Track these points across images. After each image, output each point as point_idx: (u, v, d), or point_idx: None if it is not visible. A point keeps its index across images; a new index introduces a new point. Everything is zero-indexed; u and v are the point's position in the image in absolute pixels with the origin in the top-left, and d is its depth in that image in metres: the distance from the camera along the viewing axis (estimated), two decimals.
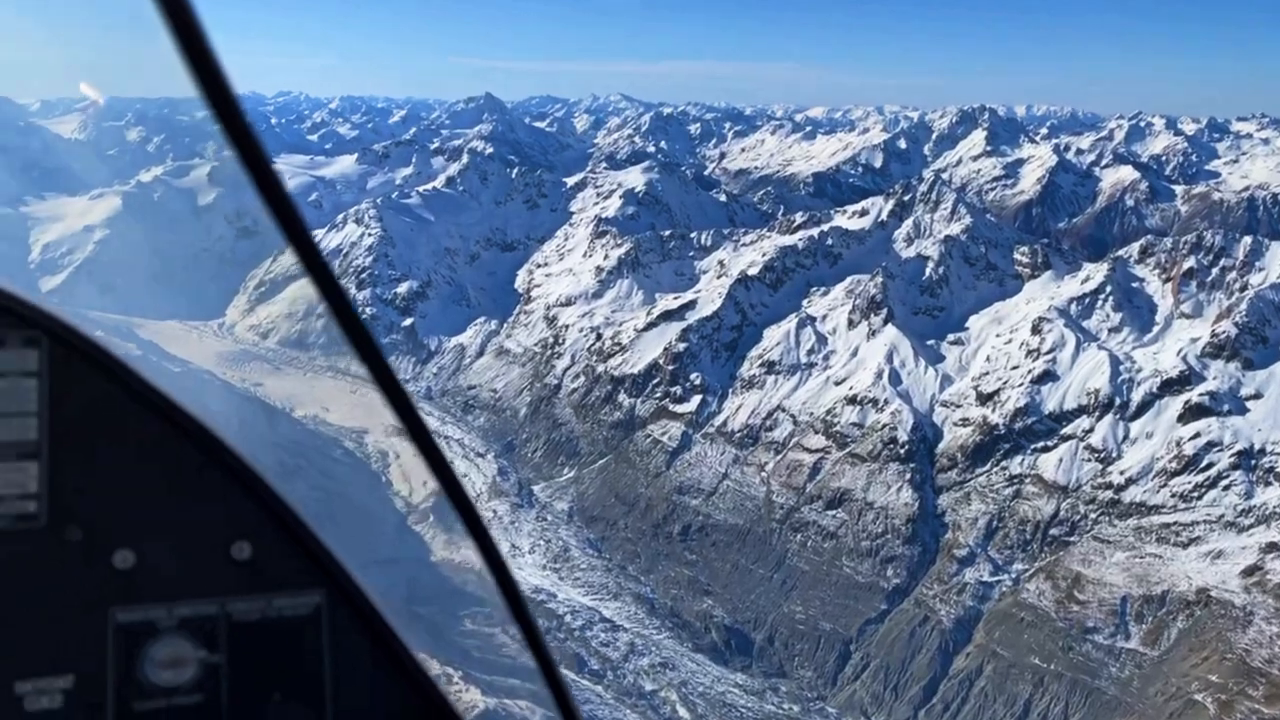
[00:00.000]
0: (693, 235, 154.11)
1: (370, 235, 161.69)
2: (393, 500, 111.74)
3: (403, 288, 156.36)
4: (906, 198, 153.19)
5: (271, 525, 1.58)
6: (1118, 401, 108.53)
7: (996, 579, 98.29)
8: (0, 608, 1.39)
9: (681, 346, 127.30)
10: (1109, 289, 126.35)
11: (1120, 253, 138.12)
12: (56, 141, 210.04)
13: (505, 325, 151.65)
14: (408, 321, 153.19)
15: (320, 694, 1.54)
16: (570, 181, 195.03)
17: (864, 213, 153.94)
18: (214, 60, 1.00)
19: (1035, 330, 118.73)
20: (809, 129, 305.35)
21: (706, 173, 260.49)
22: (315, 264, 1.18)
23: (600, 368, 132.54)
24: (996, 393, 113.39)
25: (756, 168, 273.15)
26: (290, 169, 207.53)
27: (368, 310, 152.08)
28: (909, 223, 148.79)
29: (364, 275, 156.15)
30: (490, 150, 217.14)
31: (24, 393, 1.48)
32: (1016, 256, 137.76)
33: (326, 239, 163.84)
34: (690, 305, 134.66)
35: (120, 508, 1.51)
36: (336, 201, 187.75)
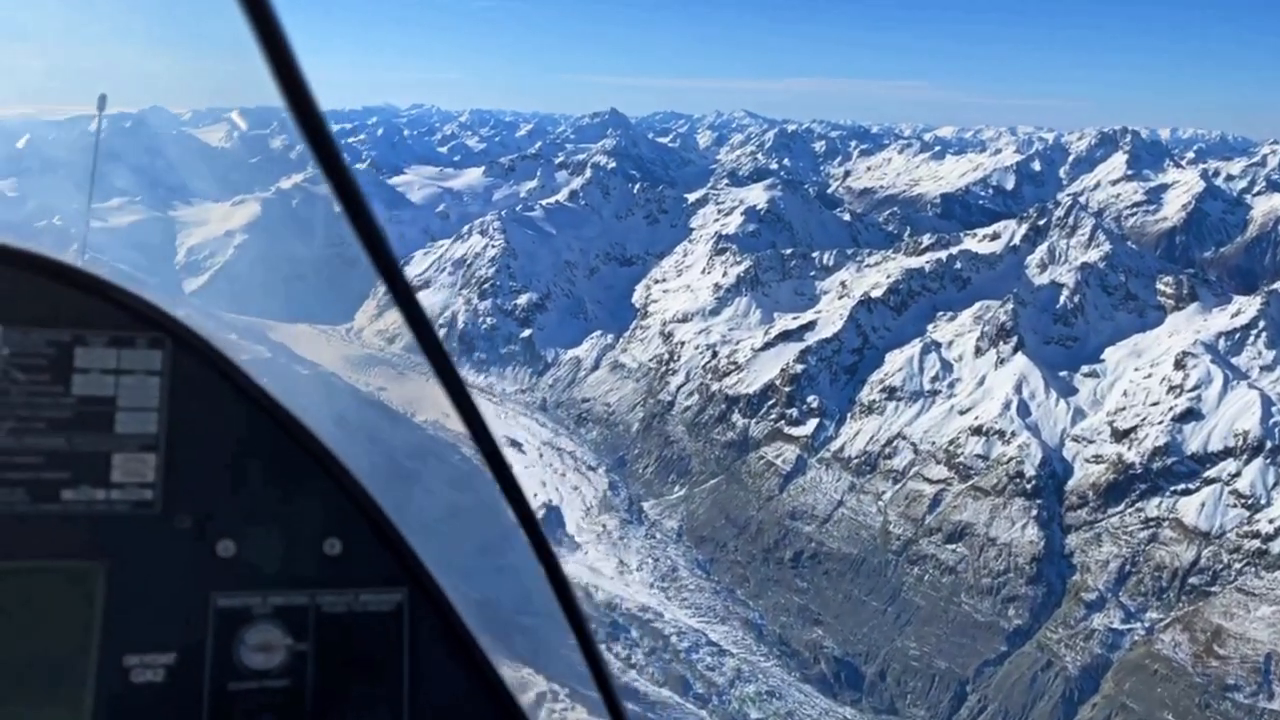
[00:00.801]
0: (814, 255, 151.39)
1: (494, 247, 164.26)
2: (493, 509, 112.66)
3: (523, 299, 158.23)
4: (1041, 222, 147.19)
5: (361, 524, 1.68)
6: (1269, 445, 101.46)
7: (1128, 627, 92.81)
8: (116, 586, 1.53)
9: (799, 368, 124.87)
10: (1262, 324, 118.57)
11: (1276, 285, 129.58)
12: (205, 149, 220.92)
13: (621, 340, 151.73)
14: (526, 333, 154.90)
15: (399, 687, 1.63)
16: (691, 198, 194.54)
17: (995, 236, 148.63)
18: (298, 75, 1.05)
19: (1179, 365, 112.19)
20: (938, 149, 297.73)
21: (830, 191, 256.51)
22: (392, 275, 1.20)
23: (715, 386, 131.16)
24: (1134, 429, 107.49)
25: (882, 187, 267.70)
26: (420, 180, 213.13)
27: (488, 321, 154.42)
28: (1043, 248, 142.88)
29: (486, 286, 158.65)
30: (613, 165, 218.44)
31: (147, 389, 1.63)
32: (1159, 287, 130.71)
33: (452, 249, 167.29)
34: (810, 326, 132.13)
35: (225, 500, 1.65)
36: (463, 212, 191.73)
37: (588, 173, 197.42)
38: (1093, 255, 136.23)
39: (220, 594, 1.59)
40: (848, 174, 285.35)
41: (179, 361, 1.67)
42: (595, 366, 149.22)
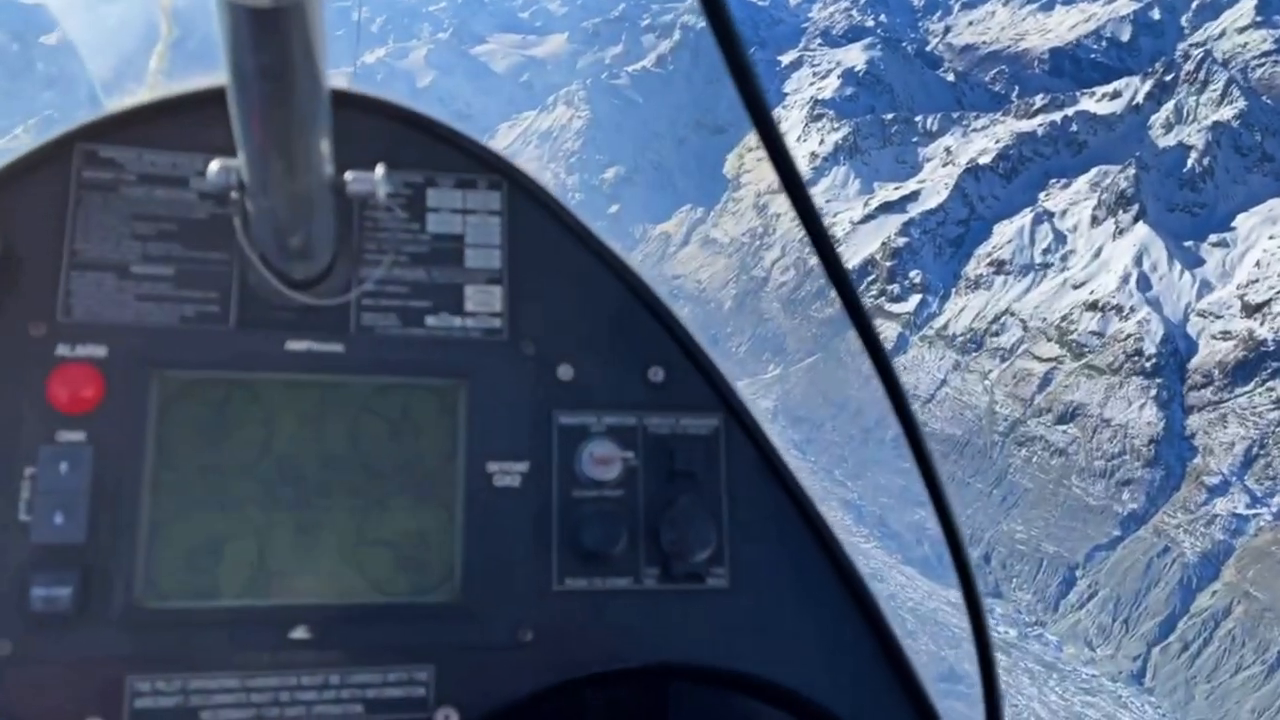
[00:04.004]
0: (917, 119, 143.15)
1: (579, 118, 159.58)
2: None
3: (610, 173, 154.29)
4: (1167, 78, 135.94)
5: (681, 355, 1.81)
6: None
7: (1253, 512, 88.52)
8: (476, 402, 1.71)
9: (901, 241, 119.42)
10: None
11: None
12: None
13: (712, 213, 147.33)
14: (614, 209, 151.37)
15: (718, 503, 1.76)
16: (785, 60, 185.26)
17: (1115, 95, 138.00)
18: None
19: None
20: None
21: (929, 49, 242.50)
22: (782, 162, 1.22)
23: (812, 260, 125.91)
24: (1267, 303, 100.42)
25: (985, 43, 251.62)
26: (503, 49, 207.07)
27: (575, 197, 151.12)
28: (1169, 106, 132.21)
29: (572, 160, 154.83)
30: (702, 24, 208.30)
31: (490, 228, 1.79)
32: None
33: (537, 121, 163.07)
34: (912, 196, 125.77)
35: (562, 329, 1.79)
36: (547, 82, 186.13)
37: (675, 35, 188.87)
38: (1226, 113, 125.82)
39: (562, 413, 1.75)
40: (948, 29, 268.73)
41: (515, 202, 1.82)
42: (685, 242, 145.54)
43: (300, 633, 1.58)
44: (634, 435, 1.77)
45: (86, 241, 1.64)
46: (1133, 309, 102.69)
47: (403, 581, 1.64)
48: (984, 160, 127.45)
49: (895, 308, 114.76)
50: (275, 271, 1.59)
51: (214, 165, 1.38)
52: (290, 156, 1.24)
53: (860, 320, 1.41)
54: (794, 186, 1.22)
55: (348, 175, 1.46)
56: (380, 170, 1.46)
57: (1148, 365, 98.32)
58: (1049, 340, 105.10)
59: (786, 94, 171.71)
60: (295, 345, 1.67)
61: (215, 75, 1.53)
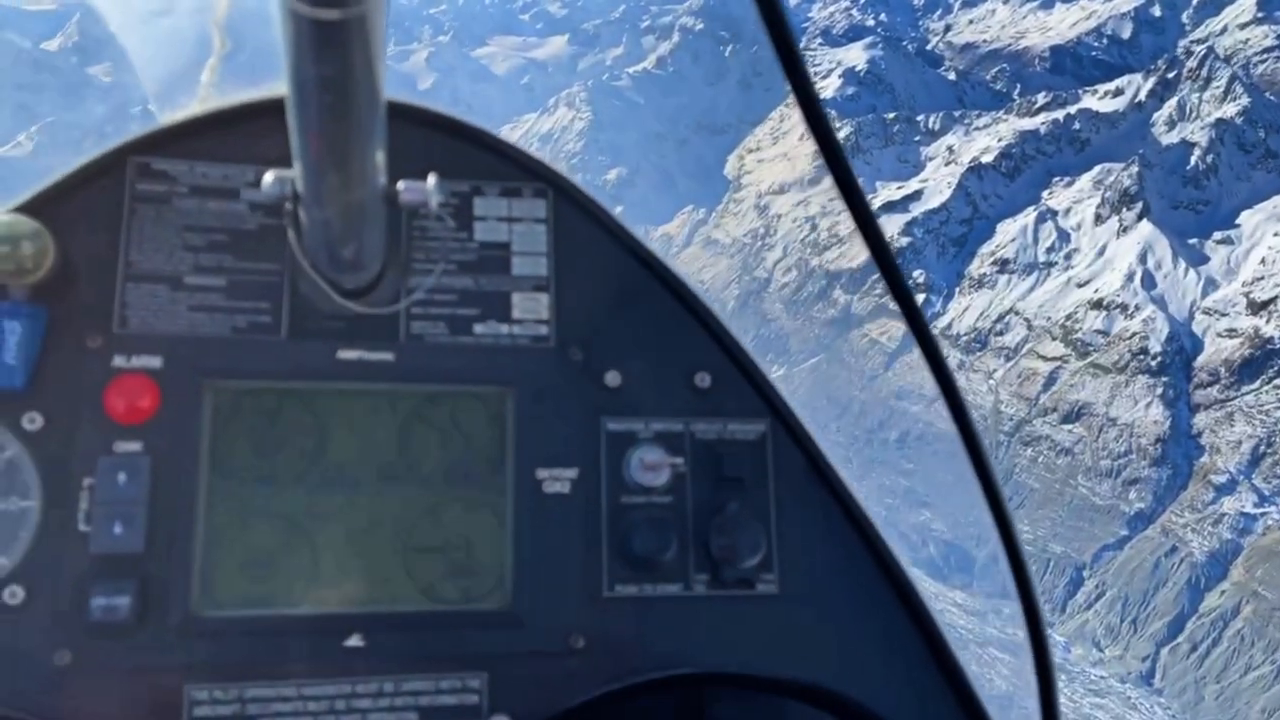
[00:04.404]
0: (919, 118, 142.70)
1: (581, 120, 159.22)
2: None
3: (612, 174, 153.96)
4: (1170, 75, 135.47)
5: (727, 361, 1.79)
6: None
7: (1262, 511, 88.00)
8: (524, 409, 1.71)
9: (905, 241, 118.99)
10: None
11: None
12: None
13: (714, 214, 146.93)
14: (618, 209, 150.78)
15: (766, 508, 1.75)
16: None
17: (1118, 92, 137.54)
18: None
19: None
20: None
21: (930, 48, 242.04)
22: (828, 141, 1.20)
23: (815, 261, 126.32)
24: (1273, 300, 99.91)
25: (985, 41, 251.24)
26: (504, 51, 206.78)
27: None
28: (1172, 104, 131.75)
29: (574, 162, 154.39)
30: (701, 26, 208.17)
31: (536, 235, 1.79)
32: None
33: (539, 124, 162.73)
34: (915, 196, 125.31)
35: (609, 335, 1.78)
36: (548, 84, 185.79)
37: (675, 36, 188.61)
38: (1229, 110, 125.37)
39: (610, 419, 1.74)
40: (948, 28, 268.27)
41: (560, 210, 1.81)
42: (687, 243, 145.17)
43: (354, 640, 1.60)
44: (681, 441, 1.76)
45: (140, 253, 1.68)
46: (1137, 307, 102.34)
47: (454, 588, 1.66)
48: (986, 159, 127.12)
49: (893, 306, 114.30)
50: (328, 281, 1.61)
51: (269, 176, 1.40)
52: (347, 168, 1.27)
53: (923, 336, 1.41)
54: (856, 203, 1.23)
55: (400, 185, 1.48)
56: (432, 180, 1.48)
57: (1153, 364, 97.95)
58: (1054, 339, 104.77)
59: (786, 94, 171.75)
60: (346, 354, 1.69)
61: (266, 88, 1.61)
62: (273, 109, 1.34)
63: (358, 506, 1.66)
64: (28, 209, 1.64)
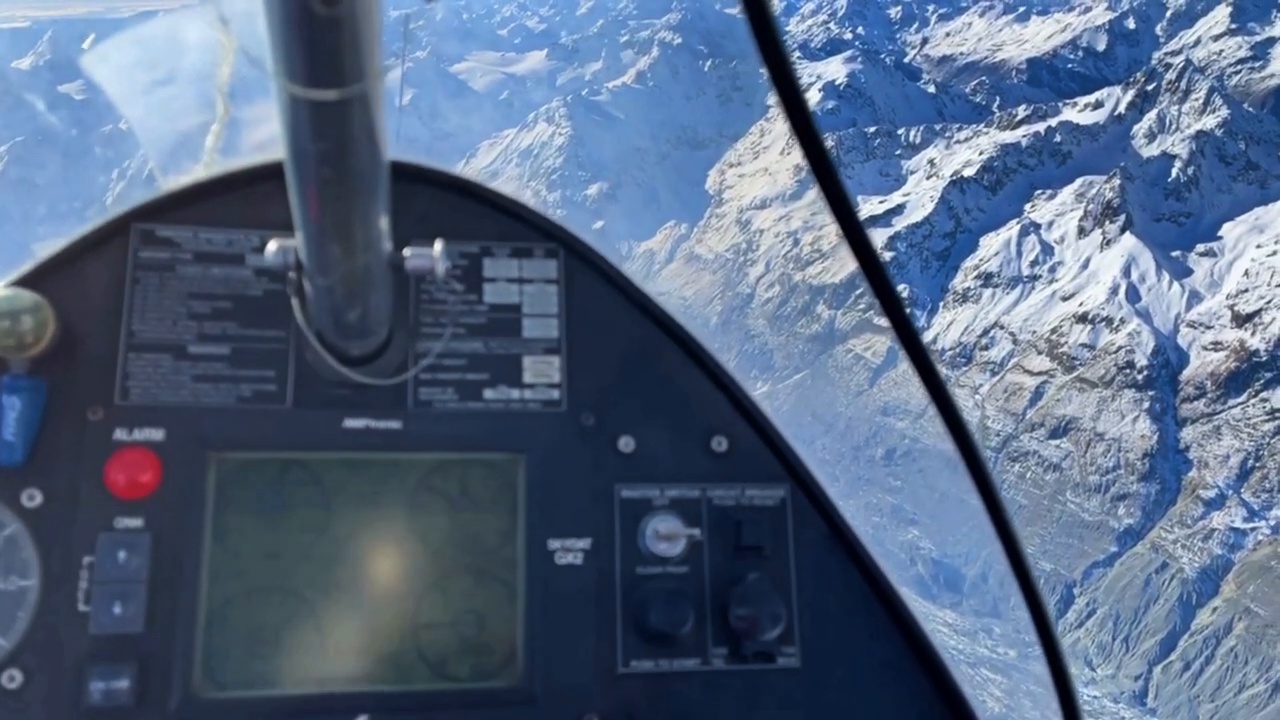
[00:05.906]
0: (899, 132, 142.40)
1: (560, 135, 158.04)
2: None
3: (593, 189, 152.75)
4: (1149, 87, 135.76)
5: (744, 424, 1.77)
6: None
7: (1251, 525, 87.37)
8: (535, 477, 1.67)
9: (888, 255, 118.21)
10: None
11: None
12: None
13: (696, 229, 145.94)
14: (598, 225, 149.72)
15: (787, 578, 1.71)
16: (763, 74, 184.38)
17: (1097, 105, 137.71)
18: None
19: None
20: (1021, 9, 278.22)
21: (908, 61, 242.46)
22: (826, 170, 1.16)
23: (798, 276, 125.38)
24: (1258, 313, 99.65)
25: (962, 54, 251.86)
26: (482, 66, 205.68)
27: (558, 214, 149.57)
28: (1151, 116, 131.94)
29: (554, 177, 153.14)
30: (679, 41, 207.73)
31: (547, 297, 1.77)
32: None
33: (518, 139, 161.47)
34: (897, 210, 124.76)
35: (622, 399, 1.76)
36: (527, 100, 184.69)
37: (654, 51, 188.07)
38: (1209, 121, 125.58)
39: (623, 485, 1.71)
40: (925, 41, 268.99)
41: (572, 270, 1.80)
42: (670, 259, 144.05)
43: None
44: (698, 507, 1.73)
45: (143, 322, 1.64)
46: (1123, 320, 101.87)
47: (465, 665, 1.62)
48: (968, 172, 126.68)
49: (884, 321, 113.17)
50: (332, 349, 1.57)
51: (272, 245, 1.37)
52: (349, 237, 1.24)
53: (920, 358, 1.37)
54: (851, 228, 1.19)
55: (406, 252, 1.44)
56: (439, 246, 1.45)
57: (1139, 378, 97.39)
58: (1039, 353, 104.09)
59: (769, 106, 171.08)
60: (353, 423, 1.65)
61: (270, 152, 1.59)
62: (277, 173, 1.33)
63: (365, 580, 1.61)
64: (28, 281, 1.61)
